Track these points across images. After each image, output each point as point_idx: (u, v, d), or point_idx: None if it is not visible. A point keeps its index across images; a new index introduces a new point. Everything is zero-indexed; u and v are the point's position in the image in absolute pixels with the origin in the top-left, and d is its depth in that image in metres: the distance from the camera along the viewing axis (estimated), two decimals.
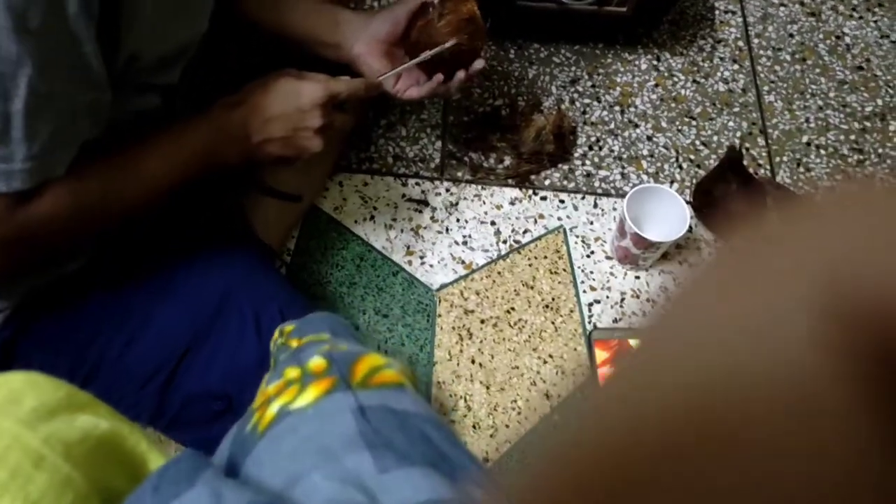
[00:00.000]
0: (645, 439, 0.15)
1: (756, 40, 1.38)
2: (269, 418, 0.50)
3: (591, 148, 1.25)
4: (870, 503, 0.13)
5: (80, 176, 0.69)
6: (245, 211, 1.02)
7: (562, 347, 1.07)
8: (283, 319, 0.83)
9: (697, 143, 1.26)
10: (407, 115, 1.24)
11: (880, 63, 1.36)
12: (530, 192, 1.20)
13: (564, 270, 1.13)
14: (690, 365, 0.16)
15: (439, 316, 1.09)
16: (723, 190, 1.11)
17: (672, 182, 1.21)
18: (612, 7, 1.18)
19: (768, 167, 1.24)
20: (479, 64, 0.95)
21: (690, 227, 1.07)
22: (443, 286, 1.12)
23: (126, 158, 0.74)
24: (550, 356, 1.06)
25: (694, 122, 1.28)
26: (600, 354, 1.05)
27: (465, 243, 1.15)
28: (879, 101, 1.31)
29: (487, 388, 1.04)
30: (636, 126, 1.27)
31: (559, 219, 1.18)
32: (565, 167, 1.22)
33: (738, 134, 1.27)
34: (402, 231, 1.15)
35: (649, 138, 1.26)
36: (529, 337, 1.08)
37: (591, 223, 1.18)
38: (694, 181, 1.20)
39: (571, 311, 1.10)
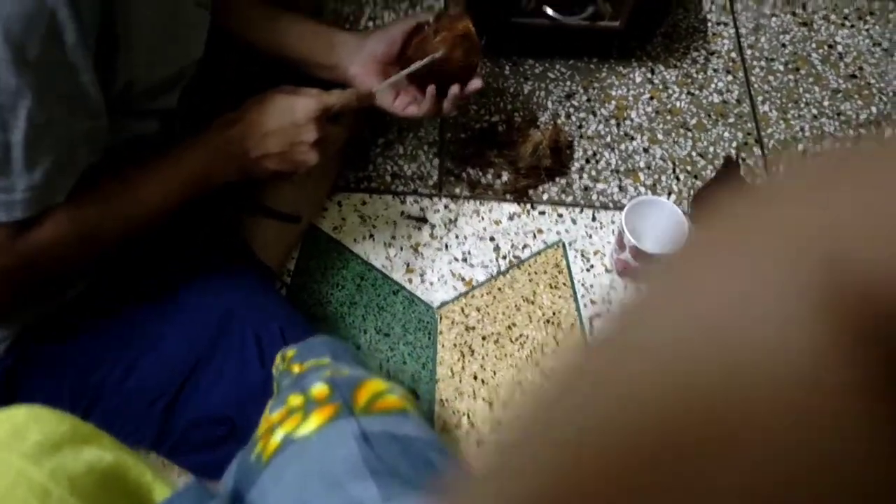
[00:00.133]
0: (643, 442, 0.15)
1: (749, 51, 1.39)
2: (273, 447, 0.50)
3: (588, 161, 1.25)
4: (876, 500, 0.13)
5: (80, 202, 0.70)
6: (244, 232, 1.02)
7: None
8: (284, 341, 0.84)
9: (694, 154, 1.26)
10: (404, 134, 1.24)
11: (873, 71, 1.37)
12: (528, 207, 1.20)
13: (564, 285, 1.14)
14: (679, 361, 0.15)
15: (440, 333, 1.09)
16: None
17: (670, 194, 1.22)
18: (605, 22, 1.19)
19: (765, 177, 1.24)
20: (476, 83, 0.96)
21: None
22: (443, 303, 1.12)
23: (125, 182, 0.75)
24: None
25: (690, 134, 1.29)
26: None
27: (464, 260, 1.15)
28: (874, 109, 1.32)
29: (490, 404, 1.04)
30: (632, 139, 1.28)
31: (558, 233, 1.18)
32: (563, 181, 1.23)
33: (734, 144, 1.28)
34: (401, 249, 1.15)
35: (646, 150, 1.27)
36: (531, 352, 1.08)
37: (590, 237, 1.18)
38: (691, 192, 1.21)
39: (573, 326, 1.10)
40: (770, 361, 0.13)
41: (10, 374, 0.82)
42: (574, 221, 1.20)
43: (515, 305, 1.12)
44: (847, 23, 1.43)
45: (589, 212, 1.21)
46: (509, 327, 1.10)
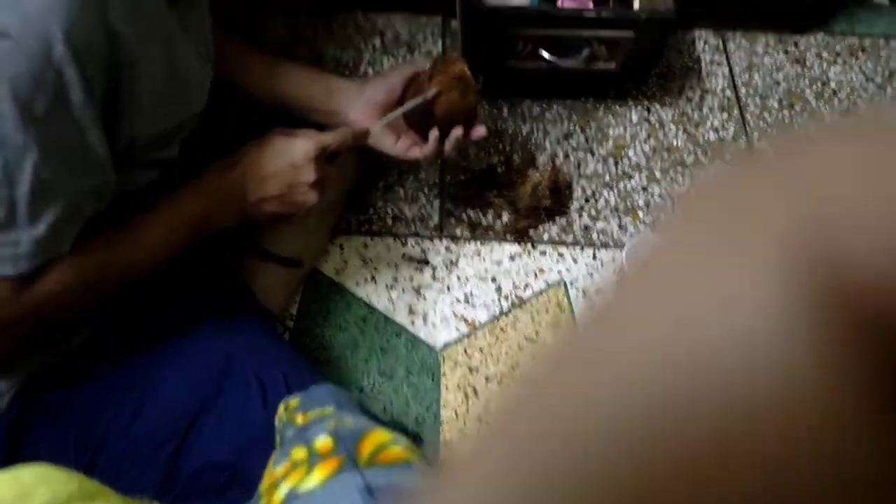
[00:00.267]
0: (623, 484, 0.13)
1: (743, 89, 1.41)
2: (277, 502, 0.50)
3: (587, 200, 1.26)
4: None
5: (83, 251, 0.70)
6: (246, 277, 1.02)
7: None
8: (287, 387, 0.84)
9: (691, 189, 1.27)
10: (405, 176, 1.26)
11: (868, 106, 1.39)
12: (529, 246, 1.21)
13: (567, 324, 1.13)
14: (658, 373, 0.13)
15: (444, 375, 1.09)
16: None
17: None
18: (600, 64, 1.21)
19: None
20: (480, 130, 0.97)
21: None
22: (446, 345, 1.12)
23: (126, 229, 0.76)
24: None
25: (688, 171, 1.30)
26: None
27: (466, 301, 1.16)
28: None
29: None
30: (630, 177, 1.29)
31: (559, 272, 1.19)
32: (563, 221, 1.24)
33: None
34: (403, 291, 1.16)
35: (644, 189, 1.28)
36: None
37: (592, 275, 1.18)
38: None
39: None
40: (761, 375, 0.12)
41: (15, 424, 0.81)
42: (575, 260, 1.20)
43: (518, 345, 1.12)
44: (839, 59, 1.46)
45: (590, 250, 1.21)
46: (513, 367, 1.10)
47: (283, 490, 0.50)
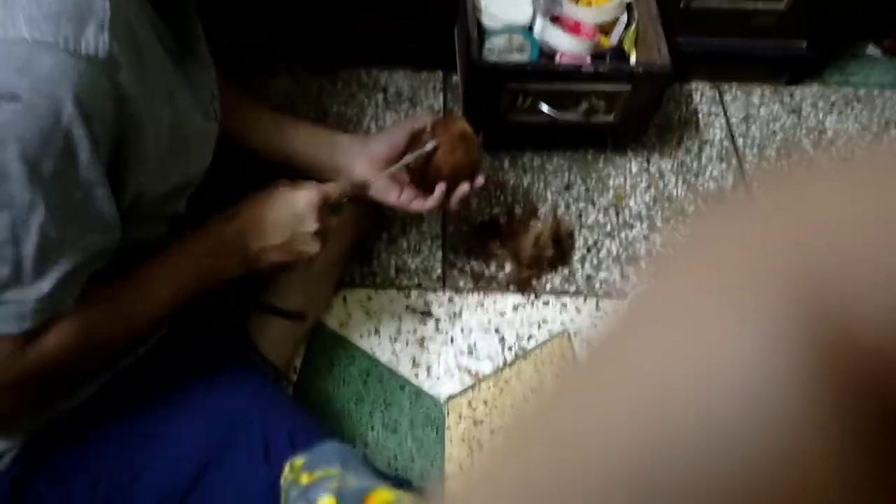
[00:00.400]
0: None
1: (740, 139, 1.42)
2: None
3: (589, 251, 1.27)
4: None
5: (85, 306, 0.70)
6: (250, 331, 1.02)
7: None
8: (292, 443, 0.83)
9: (684, 233, 1.28)
10: (407, 228, 1.27)
11: (863, 153, 1.40)
12: (532, 297, 1.21)
13: None
14: (643, 424, 0.12)
15: (448, 428, 1.08)
16: None
17: None
18: (599, 117, 1.23)
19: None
20: (480, 180, 0.99)
21: None
22: (451, 397, 1.11)
23: (129, 282, 0.76)
24: None
25: (689, 221, 1.30)
26: None
27: (470, 352, 1.15)
28: None
29: None
30: (632, 227, 1.30)
31: (563, 323, 1.19)
32: (565, 271, 1.24)
33: None
34: (407, 343, 1.15)
35: (646, 238, 1.28)
36: None
37: (596, 325, 1.18)
38: None
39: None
40: (752, 430, 0.12)
41: (18, 483, 0.80)
42: (578, 311, 1.20)
43: (523, 397, 1.11)
44: (835, 109, 1.48)
45: (593, 300, 1.21)
46: (503, 422, 1.09)
47: None
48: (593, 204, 1.32)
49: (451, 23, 1.34)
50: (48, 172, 0.59)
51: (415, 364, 1.14)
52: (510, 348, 1.16)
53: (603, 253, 1.27)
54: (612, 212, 1.31)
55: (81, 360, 0.73)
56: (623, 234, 1.29)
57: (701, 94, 1.48)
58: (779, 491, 0.11)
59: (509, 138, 1.35)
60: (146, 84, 0.65)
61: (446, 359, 1.14)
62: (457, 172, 0.97)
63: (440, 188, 0.96)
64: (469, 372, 1.14)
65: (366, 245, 1.24)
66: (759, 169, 1.37)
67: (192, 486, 0.83)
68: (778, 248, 0.13)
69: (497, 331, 1.18)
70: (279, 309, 1.04)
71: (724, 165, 1.38)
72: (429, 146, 0.94)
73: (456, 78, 1.40)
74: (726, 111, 1.46)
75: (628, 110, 1.23)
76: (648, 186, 1.35)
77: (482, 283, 1.22)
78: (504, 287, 1.22)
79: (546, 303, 1.21)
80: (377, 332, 1.16)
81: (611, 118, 1.24)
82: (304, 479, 0.63)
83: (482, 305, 1.20)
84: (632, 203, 1.33)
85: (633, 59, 1.27)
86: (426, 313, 1.19)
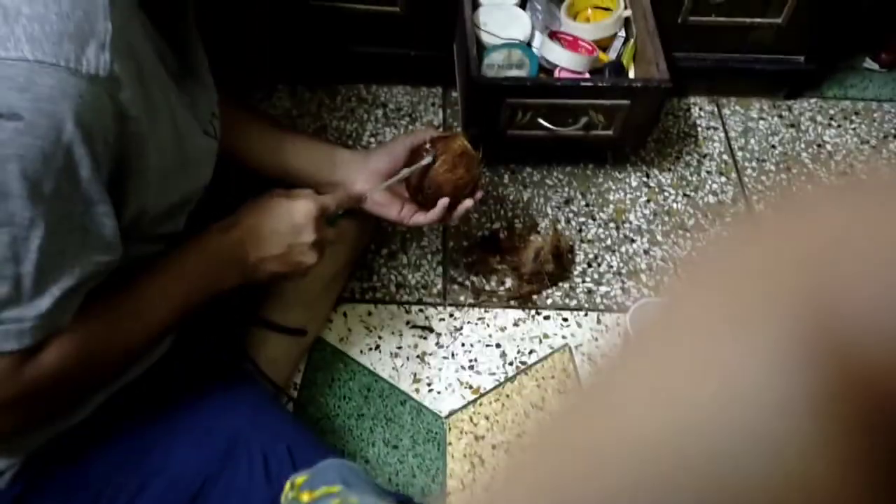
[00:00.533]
0: None
1: (740, 153, 1.43)
2: None
3: (589, 265, 1.27)
4: None
5: (85, 321, 0.70)
6: (249, 348, 1.02)
7: None
8: (292, 460, 0.82)
9: (694, 254, 1.28)
10: (408, 243, 1.27)
11: (864, 168, 1.40)
12: (533, 312, 1.21)
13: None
14: (651, 452, 0.12)
15: (449, 444, 1.08)
16: None
17: None
18: (598, 131, 1.24)
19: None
20: (478, 194, 1.00)
21: None
22: (452, 412, 1.11)
23: (128, 296, 0.75)
24: None
25: (689, 234, 1.31)
26: None
27: (471, 367, 1.15)
28: None
29: None
30: (632, 241, 1.30)
31: (564, 337, 1.18)
32: (566, 286, 1.24)
33: None
34: (407, 359, 1.15)
35: (646, 252, 1.28)
36: None
37: (597, 340, 1.18)
38: None
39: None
40: (763, 446, 0.11)
41: (18, 502, 0.80)
42: (579, 325, 1.20)
43: (524, 412, 1.11)
44: (833, 123, 1.48)
45: (594, 315, 1.21)
46: (519, 435, 1.08)
47: None
48: (593, 218, 1.32)
49: (451, 39, 1.34)
50: (49, 191, 0.59)
51: (415, 379, 1.13)
52: (511, 363, 1.16)
53: (603, 267, 1.27)
54: (612, 226, 1.32)
55: (81, 375, 0.73)
56: (623, 249, 1.29)
57: (700, 108, 1.49)
58: None
59: (509, 153, 1.36)
60: (147, 102, 0.65)
61: (447, 374, 1.14)
62: (458, 190, 0.97)
63: (443, 203, 0.96)
64: (470, 387, 1.13)
65: (366, 260, 1.24)
66: (764, 189, 1.38)
67: (192, 503, 0.83)
68: (785, 271, 0.13)
69: (498, 346, 1.17)
70: (279, 325, 1.04)
71: (723, 179, 1.39)
72: (426, 160, 0.95)
73: (455, 94, 1.41)
74: (725, 125, 1.47)
75: (627, 125, 1.23)
76: (648, 200, 1.35)
77: (483, 298, 1.22)
78: (505, 302, 1.22)
79: (547, 317, 1.21)
80: (378, 347, 1.16)
81: (610, 133, 1.25)
82: (305, 497, 0.62)
83: (483, 320, 1.20)
84: (632, 217, 1.33)
85: (631, 73, 1.28)
86: (427, 328, 1.18)
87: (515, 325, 1.20)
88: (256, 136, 1.01)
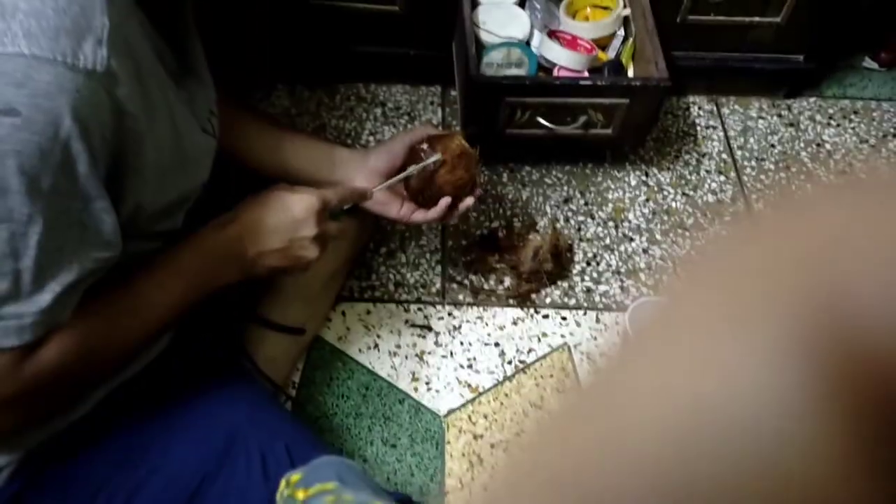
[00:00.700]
0: None
1: (739, 152, 1.43)
2: None
3: (588, 264, 1.27)
4: None
5: (84, 317, 0.70)
6: (248, 346, 1.02)
7: None
8: (290, 458, 0.82)
9: (693, 253, 1.28)
10: (406, 242, 1.27)
11: (863, 167, 1.40)
12: (532, 311, 1.21)
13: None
14: (654, 449, 0.12)
15: (448, 443, 1.08)
16: None
17: None
18: (597, 130, 1.24)
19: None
20: (477, 192, 1.00)
21: None
22: (450, 411, 1.10)
23: (125, 294, 0.75)
24: None
25: (688, 233, 1.31)
26: None
27: (470, 366, 1.15)
28: None
29: None
30: (631, 240, 1.30)
31: (562, 336, 1.18)
32: (565, 284, 1.24)
33: None
34: (406, 357, 1.15)
35: (645, 251, 1.28)
36: None
37: (596, 339, 1.18)
38: None
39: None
40: (766, 443, 0.11)
41: (16, 499, 0.80)
42: (578, 324, 1.20)
43: (523, 411, 1.11)
44: (833, 122, 1.48)
45: (592, 314, 1.21)
46: (518, 434, 1.08)
47: None
48: (592, 217, 1.32)
49: (450, 38, 1.34)
50: (47, 186, 0.59)
51: (414, 378, 1.13)
52: (510, 362, 1.16)
53: (602, 266, 1.26)
54: (611, 225, 1.32)
55: (80, 371, 0.73)
56: (622, 247, 1.29)
57: (699, 107, 1.49)
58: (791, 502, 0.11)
59: (508, 152, 1.36)
60: (145, 101, 0.65)
61: (446, 373, 1.14)
62: (458, 190, 0.98)
63: (444, 202, 0.96)
64: (469, 386, 1.13)
65: (365, 259, 1.24)
66: (763, 189, 1.38)
67: (190, 501, 0.83)
68: (784, 269, 0.13)
69: (497, 344, 1.17)
70: (277, 323, 1.04)
71: (722, 178, 1.39)
72: (432, 159, 0.95)
73: (454, 92, 1.41)
74: (724, 124, 1.47)
75: (626, 124, 1.23)
76: (647, 199, 1.35)
77: (481, 297, 1.22)
78: (503, 301, 1.21)
79: (546, 316, 1.20)
80: (376, 346, 1.16)
81: (609, 131, 1.25)
82: (300, 494, 0.62)
83: (482, 319, 1.20)
84: (630, 216, 1.33)
85: (630, 72, 1.28)
86: (426, 327, 1.18)
87: (514, 323, 1.19)
88: (256, 136, 1.01)
